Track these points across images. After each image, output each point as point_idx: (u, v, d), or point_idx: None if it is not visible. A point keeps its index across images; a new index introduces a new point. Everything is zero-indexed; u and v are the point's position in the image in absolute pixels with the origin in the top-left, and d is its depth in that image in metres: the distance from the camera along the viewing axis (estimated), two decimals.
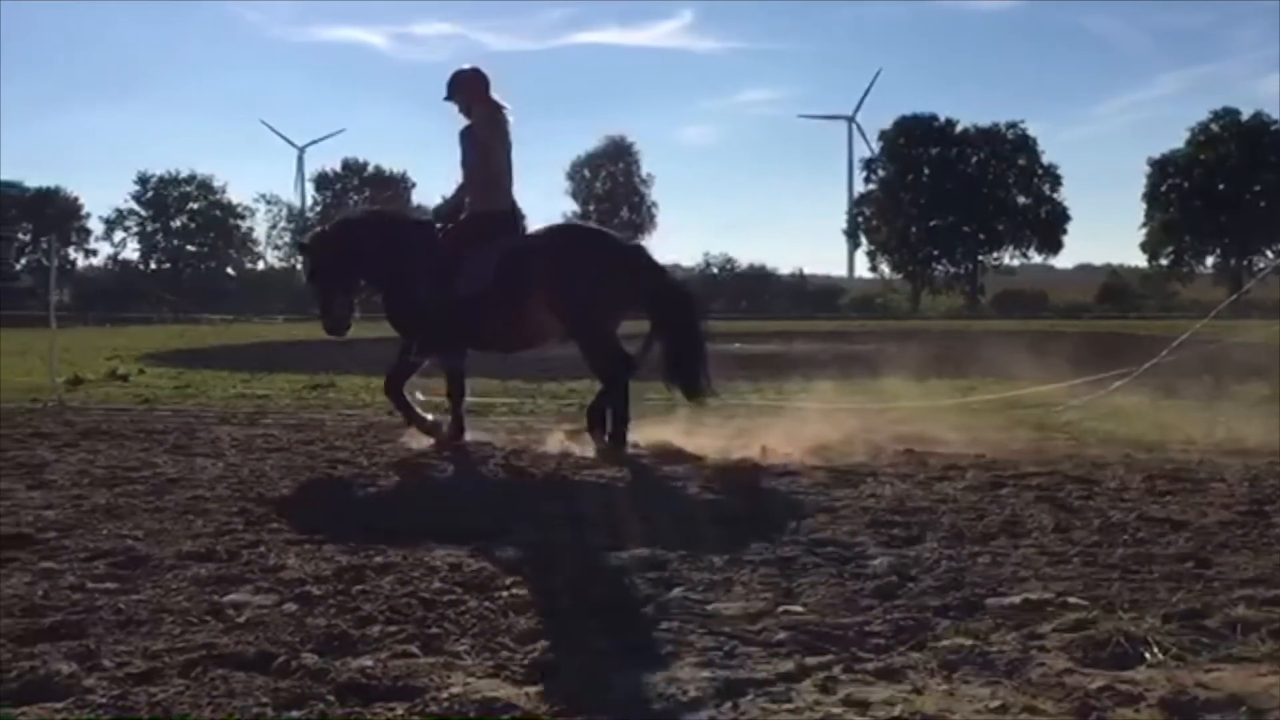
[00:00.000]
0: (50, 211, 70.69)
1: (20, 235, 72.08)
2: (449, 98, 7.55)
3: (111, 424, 8.95)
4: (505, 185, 7.58)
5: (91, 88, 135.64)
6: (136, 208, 74.50)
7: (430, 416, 7.71)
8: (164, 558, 4.30)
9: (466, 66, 7.66)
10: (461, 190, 7.64)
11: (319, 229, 8.39)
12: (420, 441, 7.58)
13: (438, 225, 7.71)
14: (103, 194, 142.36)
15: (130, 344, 23.86)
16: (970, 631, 3.35)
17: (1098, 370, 10.63)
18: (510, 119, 7.62)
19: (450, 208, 7.73)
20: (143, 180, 74.93)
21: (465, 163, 7.51)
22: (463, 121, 7.57)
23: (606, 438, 7.19)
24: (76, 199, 73.73)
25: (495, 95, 7.55)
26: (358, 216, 8.44)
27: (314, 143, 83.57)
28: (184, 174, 75.24)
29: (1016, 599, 3.67)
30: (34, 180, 73.28)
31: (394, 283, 7.59)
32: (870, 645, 3.25)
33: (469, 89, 7.51)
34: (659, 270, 7.58)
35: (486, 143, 7.46)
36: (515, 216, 7.60)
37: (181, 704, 2.74)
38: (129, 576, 4.04)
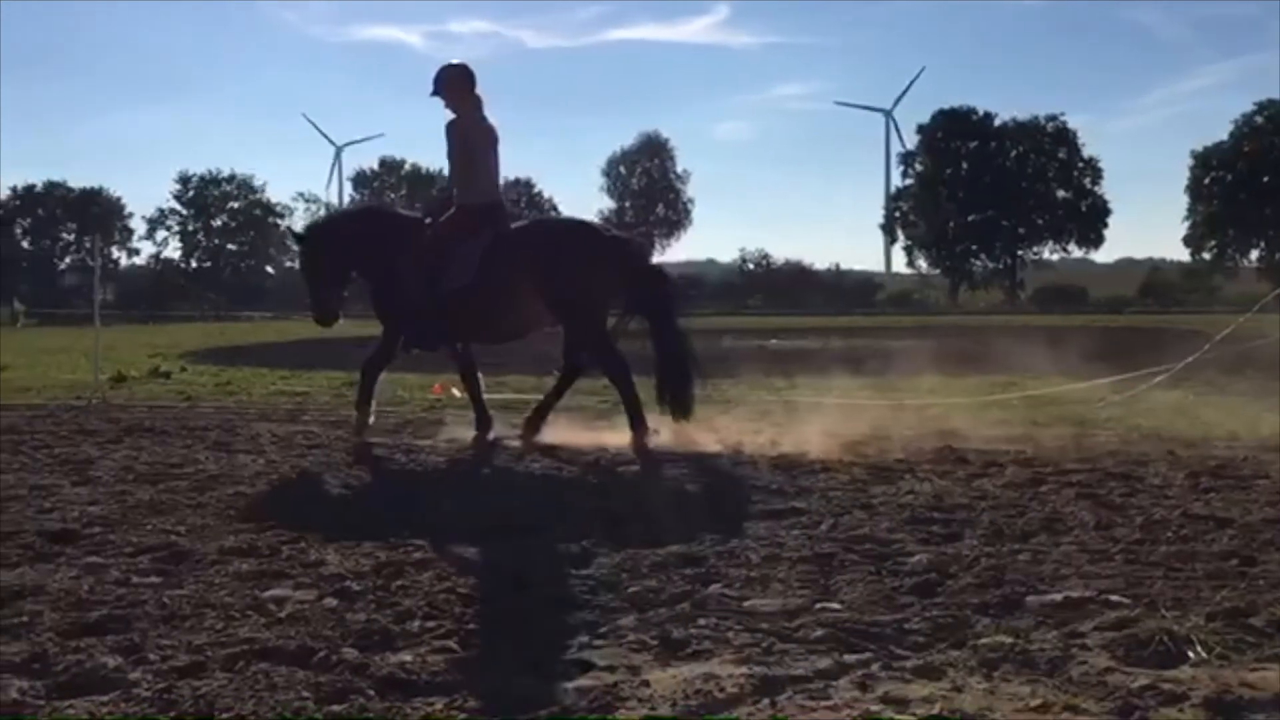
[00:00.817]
0: (94, 211, 71.73)
1: (65, 235, 73.16)
2: (435, 93, 7.65)
3: (154, 421, 9.06)
4: (490, 179, 7.72)
5: (133, 89, 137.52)
6: (178, 207, 75.54)
7: (371, 419, 7.93)
8: (206, 553, 4.35)
9: (453, 63, 7.77)
10: (451, 182, 7.78)
11: (313, 221, 8.59)
12: (460, 437, 7.62)
13: (427, 220, 7.83)
14: (145, 194, 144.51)
15: (172, 342, 24.17)
16: (1010, 629, 3.32)
17: (1139, 366, 10.50)
18: (489, 115, 7.73)
19: (439, 201, 7.87)
20: (184, 180, 75.90)
21: (450, 157, 7.64)
22: (448, 115, 7.66)
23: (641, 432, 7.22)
24: (119, 199, 74.88)
25: (478, 92, 7.68)
26: (352, 211, 8.62)
27: (352, 143, 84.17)
28: (224, 173, 76.15)
29: (1057, 597, 3.64)
30: (78, 181, 74.41)
31: (383, 276, 7.74)
32: (909, 643, 3.23)
33: (454, 85, 7.62)
34: (642, 260, 7.72)
35: (471, 137, 7.56)
36: (500, 209, 7.74)
37: (225, 697, 2.77)
38: (172, 571, 4.09)
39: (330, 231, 8.13)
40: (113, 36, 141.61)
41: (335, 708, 2.70)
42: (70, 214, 72.60)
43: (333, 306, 8.07)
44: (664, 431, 7.32)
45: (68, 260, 73.55)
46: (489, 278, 7.28)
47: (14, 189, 72.46)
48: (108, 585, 3.87)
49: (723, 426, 7.97)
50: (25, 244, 72.72)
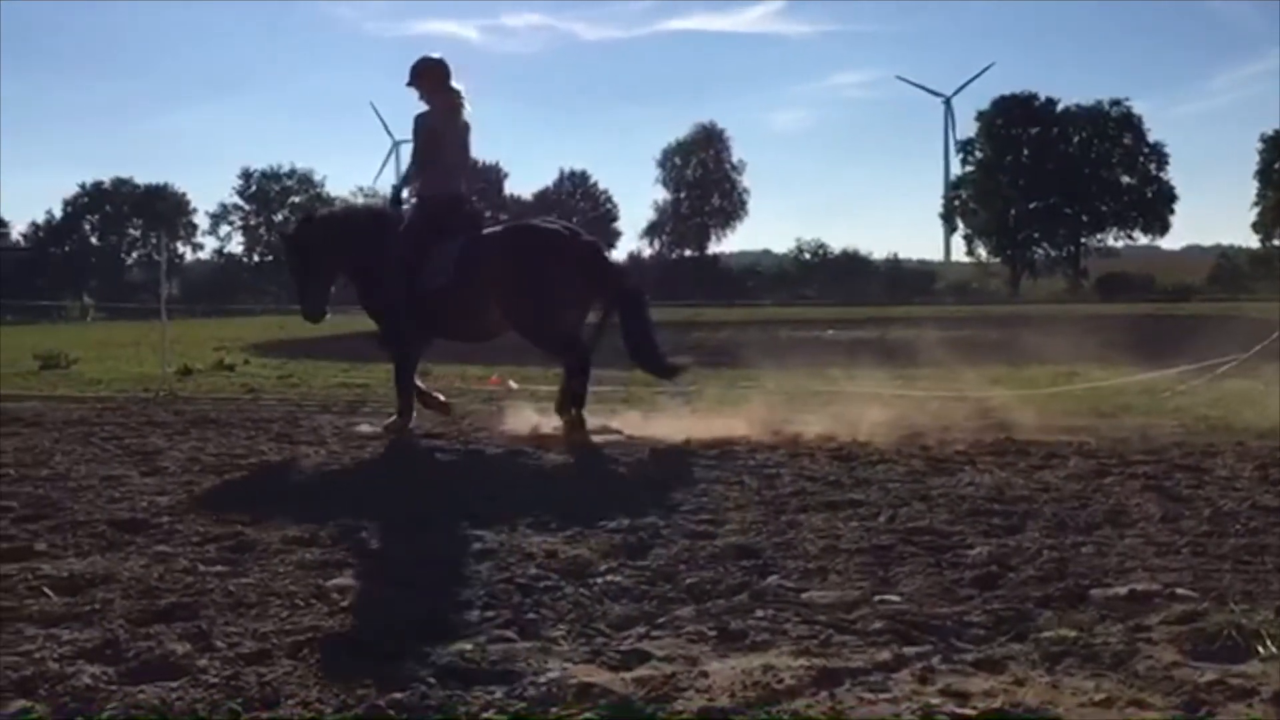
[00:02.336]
0: (159, 207, 73.10)
1: (132, 230, 74.67)
2: (410, 84, 7.79)
3: (219, 413, 9.23)
4: (454, 172, 7.87)
5: (196, 87, 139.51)
6: (240, 202, 76.72)
7: (441, 396, 8.16)
8: (271, 542, 4.43)
9: (432, 55, 7.88)
10: (407, 176, 7.97)
11: (299, 222, 8.86)
12: (519, 429, 7.67)
13: (394, 209, 8.05)
14: (208, 189, 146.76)
15: (236, 335, 24.61)
16: (1074, 623, 3.27)
17: (1207, 355, 10.29)
18: (467, 107, 7.84)
19: (396, 192, 8.11)
20: (246, 175, 77.09)
21: (415, 148, 7.80)
22: (421, 107, 7.81)
23: (569, 418, 7.41)
24: (184, 194, 76.17)
25: (454, 83, 7.79)
26: (337, 211, 8.88)
27: (407, 142, 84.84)
28: (285, 168, 77.20)
29: (1122, 590, 3.58)
30: (144, 177, 75.84)
31: (368, 276, 7.93)
32: (969, 636, 3.20)
33: (429, 77, 7.77)
34: (610, 265, 7.96)
35: (440, 130, 7.70)
36: (461, 201, 7.93)
37: (290, 684, 2.82)
38: (238, 560, 4.17)
39: (315, 232, 8.33)
40: (175, 36, 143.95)
41: (397, 695, 2.73)
42: (137, 210, 74.02)
43: (321, 304, 8.29)
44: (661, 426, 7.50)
45: (134, 255, 75.02)
46: (463, 279, 7.46)
47: (82, 186, 74.12)
48: (176, 574, 3.96)
49: (780, 417, 7.94)
50: (94, 240, 74.28)
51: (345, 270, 8.19)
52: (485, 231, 7.83)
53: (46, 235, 72.93)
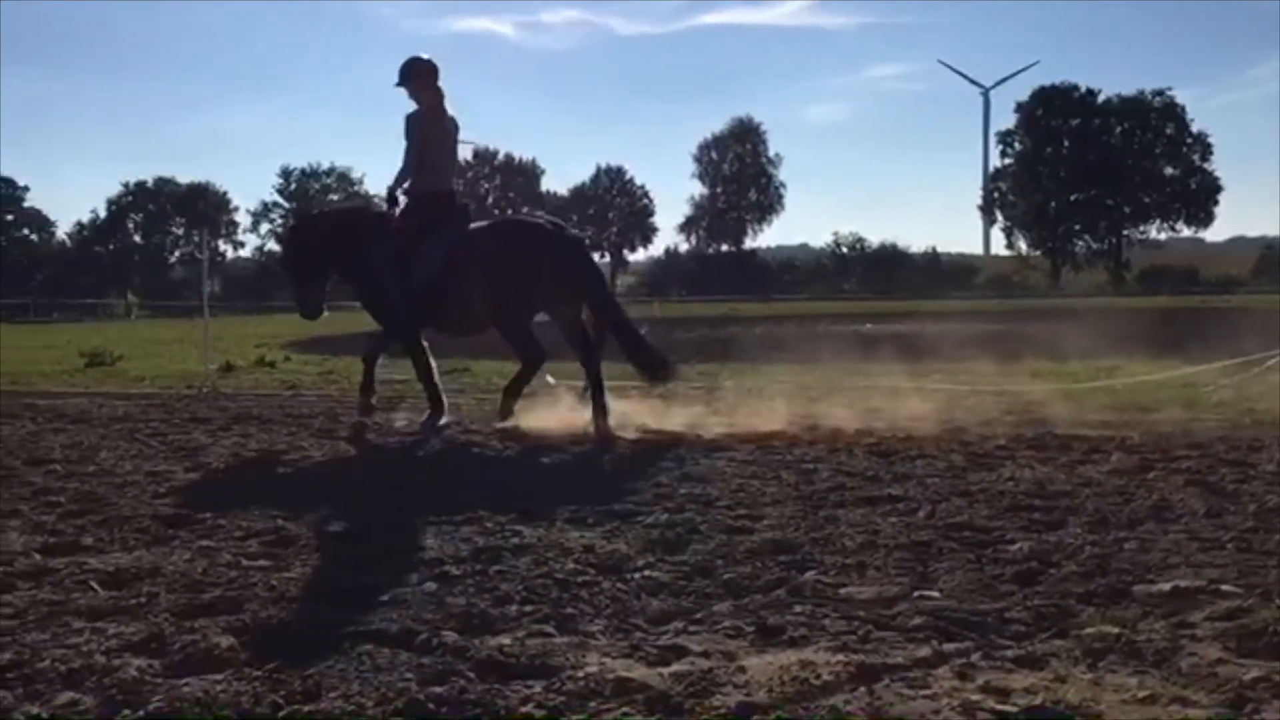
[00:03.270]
0: (201, 206, 73.96)
1: (174, 229, 75.58)
2: (400, 84, 7.99)
3: (261, 409, 9.33)
4: (446, 168, 8.15)
5: (235, 86, 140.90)
6: (280, 200, 77.45)
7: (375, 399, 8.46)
8: (312, 538, 4.47)
9: (421, 56, 8.07)
10: (402, 174, 8.08)
11: (294, 223, 9.02)
12: (555, 425, 7.69)
13: (386, 208, 8.24)
14: (249, 187, 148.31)
15: (276, 332, 24.82)
16: (1116, 619, 3.24)
17: (1251, 348, 10.13)
18: (450, 109, 8.07)
19: (391, 189, 8.25)
20: (285, 174, 77.87)
21: (408, 146, 7.98)
22: (411, 106, 8.00)
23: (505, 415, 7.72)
24: (225, 193, 77.04)
25: (440, 84, 8.01)
26: (329, 212, 9.01)
27: (464, 142, 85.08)
28: (324, 167, 77.87)
29: (1166, 586, 3.54)
30: (185, 176, 76.73)
31: (363, 274, 8.15)
32: (1010, 632, 3.18)
33: (418, 78, 7.98)
34: (587, 266, 8.11)
35: (429, 128, 7.92)
36: (452, 197, 8.20)
37: (331, 677, 2.84)
38: (280, 555, 4.21)
39: (310, 232, 8.58)
40: (216, 35, 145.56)
41: (437, 689, 2.75)
42: (179, 209, 74.92)
43: (317, 302, 8.53)
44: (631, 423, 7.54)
45: (177, 253, 75.96)
46: (451, 274, 7.68)
47: (126, 185, 75.12)
48: (219, 568, 4.01)
49: (819, 412, 7.91)
50: (137, 238, 75.27)
51: (340, 268, 8.40)
52: (473, 226, 8.05)
53: (91, 234, 73.99)
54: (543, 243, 7.81)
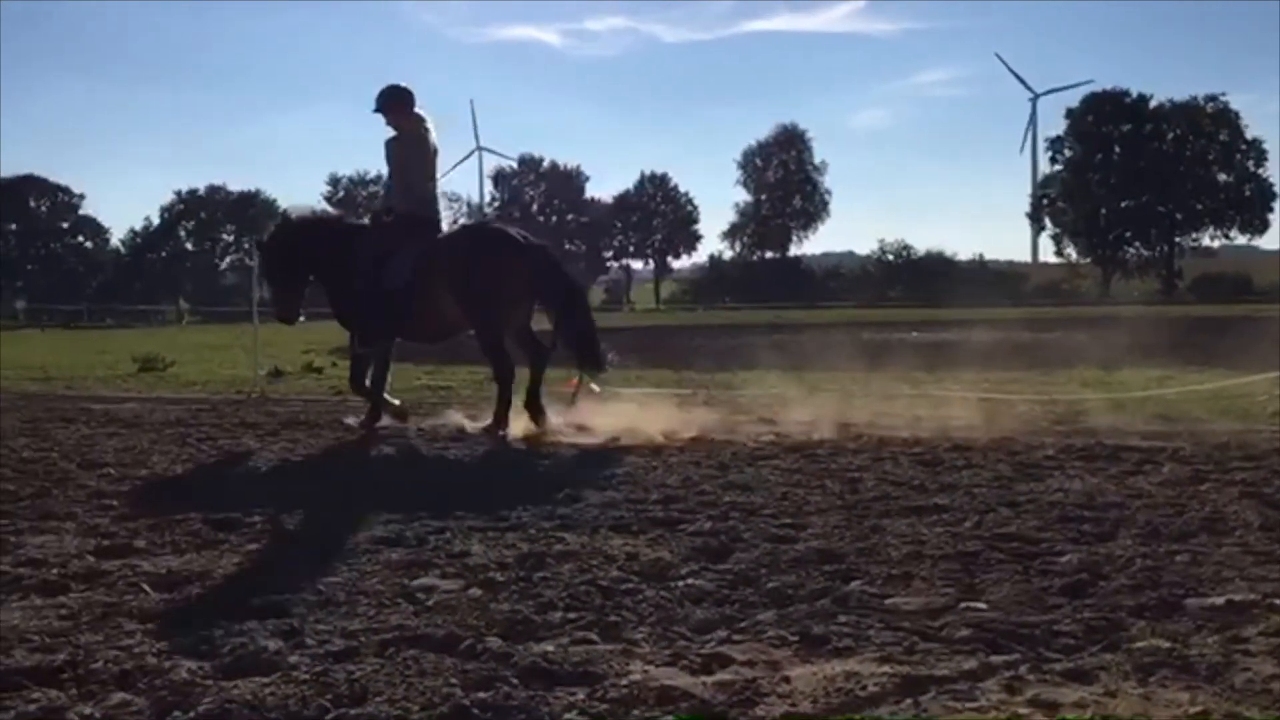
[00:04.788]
0: (251, 212, 74.99)
1: (225, 236, 76.68)
2: (377, 110, 8.29)
3: (309, 415, 9.43)
4: (425, 190, 8.42)
5: (284, 94, 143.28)
6: (329, 207, 78.26)
7: (396, 401, 8.60)
8: (358, 542, 4.51)
9: (399, 85, 8.37)
10: (387, 194, 8.53)
11: (274, 230, 9.50)
12: (598, 432, 7.71)
13: (371, 225, 8.55)
14: (298, 194, 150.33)
15: (323, 338, 25.05)
16: (1168, 633, 3.19)
17: None
18: (432, 130, 8.36)
19: (380, 209, 8.64)
20: (333, 181, 78.85)
21: (389, 170, 8.41)
22: (389, 132, 8.32)
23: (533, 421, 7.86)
24: (274, 200, 78.02)
25: (419, 110, 8.32)
26: (306, 219, 9.15)
27: (488, 149, 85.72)
28: (371, 174, 78.65)
29: (1219, 600, 3.48)
30: (236, 184, 77.87)
31: (334, 280, 8.41)
32: (1059, 645, 3.13)
33: (395, 104, 8.28)
34: (555, 267, 8.32)
35: (407, 153, 8.27)
36: (434, 217, 8.47)
37: (377, 682, 2.87)
38: (327, 559, 4.25)
39: (286, 239, 8.77)
40: (265, 44, 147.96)
41: (481, 695, 2.77)
42: (229, 216, 76.04)
43: (293, 307, 8.74)
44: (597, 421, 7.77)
45: (228, 260, 77.04)
46: (418, 282, 7.94)
47: (178, 193, 76.40)
48: (268, 572, 4.05)
49: (864, 420, 7.87)
50: (189, 245, 76.48)
51: (316, 274, 8.63)
52: (441, 235, 8.34)
53: (144, 241, 75.25)
54: (510, 246, 8.09)
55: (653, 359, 12.22)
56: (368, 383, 8.54)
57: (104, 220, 76.78)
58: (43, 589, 3.83)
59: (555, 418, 7.93)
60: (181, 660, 3.05)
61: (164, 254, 75.00)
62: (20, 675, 2.93)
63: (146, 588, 3.84)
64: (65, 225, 74.87)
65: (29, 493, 5.71)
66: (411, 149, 8.26)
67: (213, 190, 76.80)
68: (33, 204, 74.32)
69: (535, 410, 7.92)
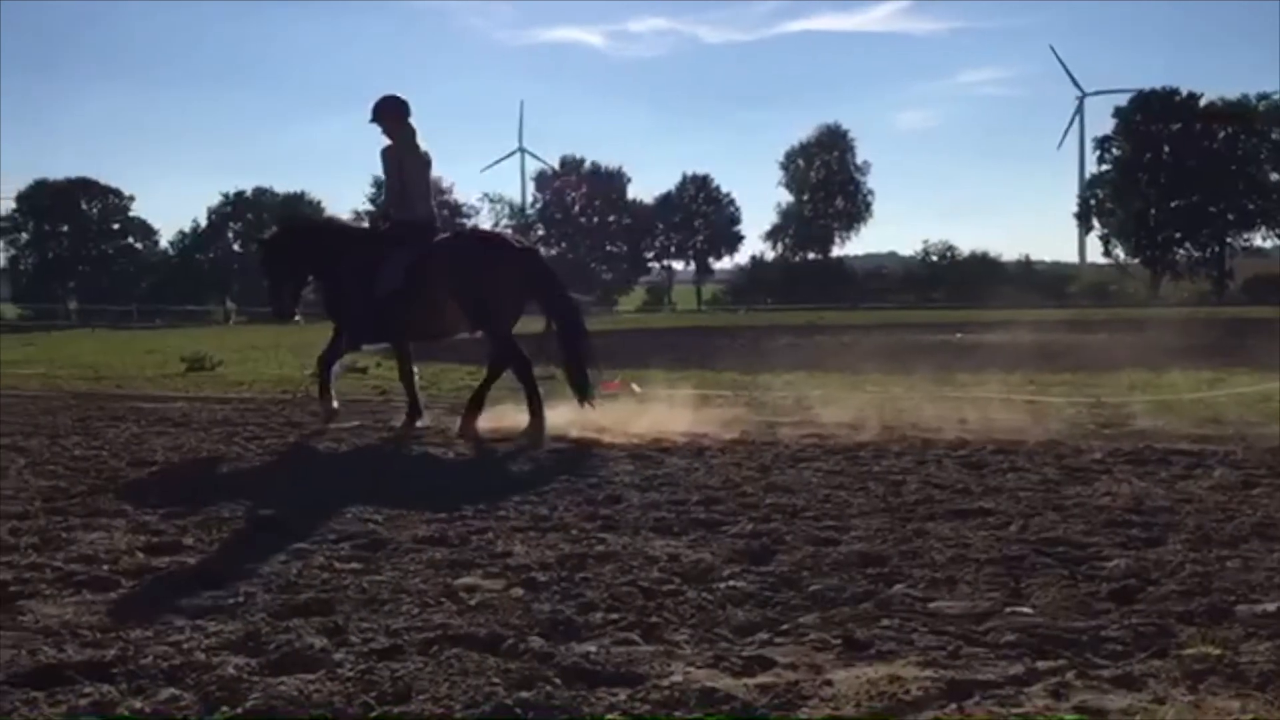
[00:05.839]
0: (298, 214, 75.70)
1: None
2: (373, 120, 8.51)
3: (353, 414, 9.50)
4: (421, 197, 8.59)
5: (329, 97, 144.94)
6: (372, 209, 78.93)
7: (335, 404, 8.77)
8: (402, 541, 4.55)
9: (394, 95, 8.57)
10: (387, 201, 8.76)
11: (276, 230, 9.46)
12: (638, 434, 7.71)
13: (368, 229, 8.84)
14: (342, 196, 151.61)
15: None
16: (1218, 640, 3.13)
17: None
18: (422, 143, 8.57)
19: (379, 216, 8.80)
20: (378, 183, 79.14)
21: (386, 179, 8.60)
22: (384, 141, 8.50)
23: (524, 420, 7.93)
24: (319, 202, 78.74)
25: (411, 120, 8.53)
26: (306, 223, 9.42)
27: (527, 152, 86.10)
28: None
29: (1271, 606, 3.42)
30: (282, 186, 78.72)
31: (329, 281, 8.69)
32: (1106, 651, 3.09)
33: (390, 114, 8.50)
34: (546, 272, 8.49)
35: (403, 161, 8.45)
36: (430, 223, 8.62)
37: (421, 680, 2.89)
38: (371, 558, 4.29)
39: (287, 241, 9.05)
40: (312, 47, 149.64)
41: (524, 694, 2.78)
42: (277, 218, 76.78)
43: (290, 306, 8.97)
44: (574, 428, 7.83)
45: None
46: (413, 285, 8.15)
47: (225, 195, 77.31)
48: (313, 570, 4.10)
49: (908, 422, 7.81)
50: (236, 247, 77.35)
51: (313, 274, 8.89)
52: (434, 240, 8.47)
53: (192, 242, 76.27)
54: (507, 250, 8.31)
55: (694, 360, 12.21)
56: (333, 374, 8.87)
57: (153, 222, 78.04)
58: (94, 585, 3.90)
59: (557, 418, 7.97)
60: (229, 656, 3.09)
61: (211, 255, 75.94)
62: (72, 669, 2.99)
63: (195, 584, 3.89)
64: (116, 227, 76.01)
65: (80, 490, 5.81)
66: (407, 157, 8.46)
67: (259, 192, 77.61)
68: (84, 206, 75.53)
69: (473, 409, 8.11)
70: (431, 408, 9.14)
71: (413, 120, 8.55)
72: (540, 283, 8.28)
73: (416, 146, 8.54)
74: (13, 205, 74.49)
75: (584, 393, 8.09)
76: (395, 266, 8.19)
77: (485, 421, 8.12)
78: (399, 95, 8.58)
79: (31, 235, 74.85)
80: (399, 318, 8.31)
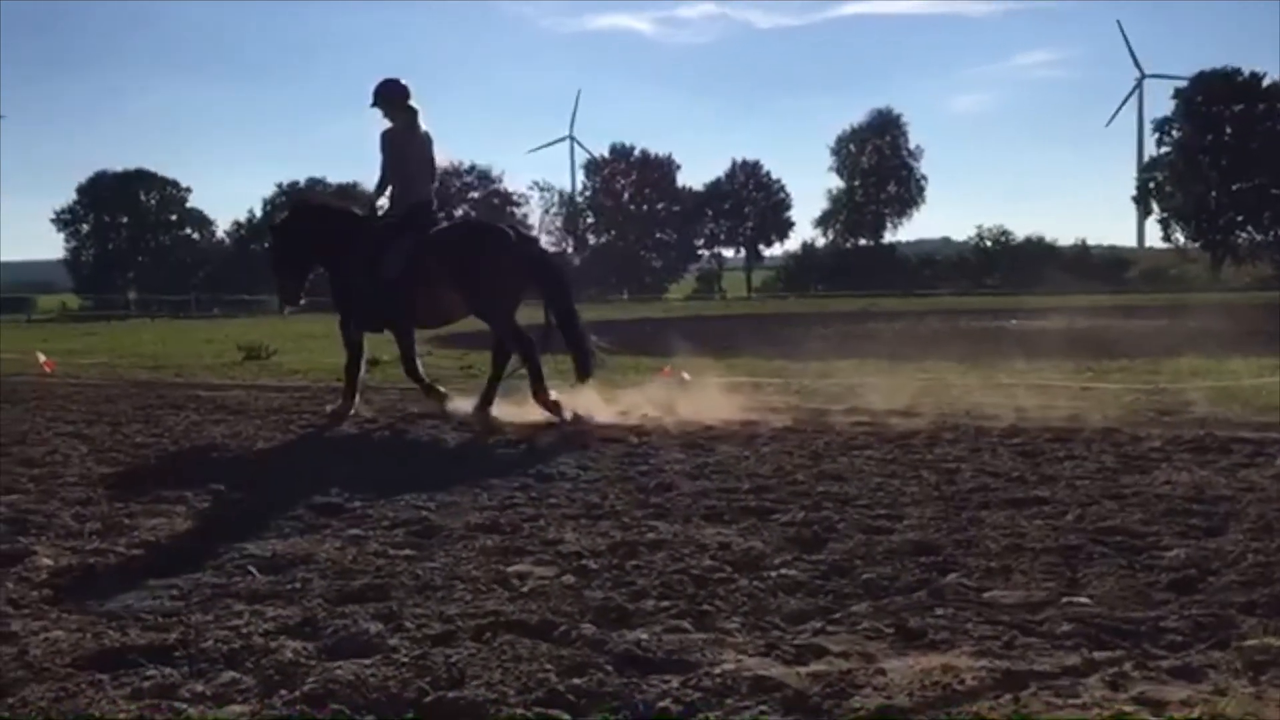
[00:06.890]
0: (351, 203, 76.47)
1: None
2: (374, 104, 8.56)
3: (404, 403, 9.60)
4: (421, 180, 8.68)
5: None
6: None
7: (442, 389, 8.92)
8: (455, 528, 4.59)
9: (393, 78, 8.59)
10: (380, 185, 8.75)
11: (285, 215, 9.78)
12: (680, 419, 7.71)
13: (364, 215, 8.83)
14: None
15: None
16: None
17: None
18: (423, 124, 8.61)
19: (372, 199, 8.93)
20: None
21: (384, 161, 8.61)
22: (385, 124, 8.57)
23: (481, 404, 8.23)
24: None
25: (412, 102, 8.56)
26: (312, 208, 9.54)
27: (578, 143, 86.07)
28: (465, 165, 79.59)
29: None
30: (335, 177, 79.46)
31: (337, 268, 8.70)
32: (1165, 642, 3.05)
33: (391, 98, 8.55)
34: (544, 259, 8.66)
35: (403, 145, 8.51)
36: (429, 207, 8.73)
37: (474, 665, 2.92)
38: (425, 545, 4.34)
39: (293, 227, 9.06)
40: (362, 40, 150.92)
41: (576, 681, 2.80)
42: (289, 201, 77.49)
43: (295, 291, 9.10)
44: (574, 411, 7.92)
45: None
46: (414, 272, 8.20)
47: (279, 186, 78.18)
48: (368, 556, 4.15)
49: (973, 410, 7.74)
50: None
51: (321, 261, 8.92)
52: (435, 229, 8.53)
53: (248, 233, 77.31)
54: (506, 239, 8.33)
55: (746, 347, 12.16)
56: (420, 372, 8.89)
57: (210, 213, 79.20)
58: (155, 570, 3.98)
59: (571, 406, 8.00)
60: (287, 641, 3.14)
61: (267, 245, 76.96)
62: (135, 653, 3.06)
63: (253, 570, 3.96)
64: (174, 218, 77.25)
65: (142, 477, 5.93)
66: (408, 140, 8.51)
67: (313, 182, 78.26)
68: (142, 198, 76.80)
69: (486, 399, 8.28)
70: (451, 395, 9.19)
71: (414, 102, 8.59)
72: (538, 270, 8.36)
73: (418, 128, 8.60)
74: (74, 197, 75.96)
75: (587, 374, 8.23)
76: (398, 253, 8.27)
77: (522, 411, 8.13)
78: (399, 79, 8.63)
79: (92, 227, 76.27)
80: (399, 304, 8.38)
